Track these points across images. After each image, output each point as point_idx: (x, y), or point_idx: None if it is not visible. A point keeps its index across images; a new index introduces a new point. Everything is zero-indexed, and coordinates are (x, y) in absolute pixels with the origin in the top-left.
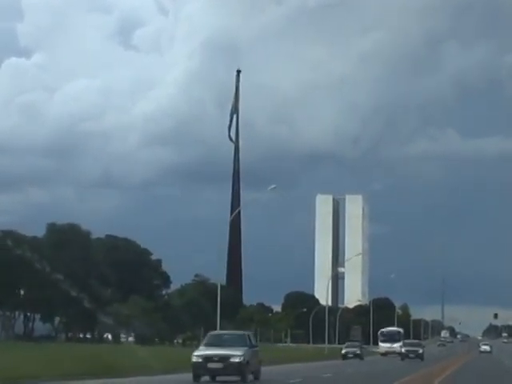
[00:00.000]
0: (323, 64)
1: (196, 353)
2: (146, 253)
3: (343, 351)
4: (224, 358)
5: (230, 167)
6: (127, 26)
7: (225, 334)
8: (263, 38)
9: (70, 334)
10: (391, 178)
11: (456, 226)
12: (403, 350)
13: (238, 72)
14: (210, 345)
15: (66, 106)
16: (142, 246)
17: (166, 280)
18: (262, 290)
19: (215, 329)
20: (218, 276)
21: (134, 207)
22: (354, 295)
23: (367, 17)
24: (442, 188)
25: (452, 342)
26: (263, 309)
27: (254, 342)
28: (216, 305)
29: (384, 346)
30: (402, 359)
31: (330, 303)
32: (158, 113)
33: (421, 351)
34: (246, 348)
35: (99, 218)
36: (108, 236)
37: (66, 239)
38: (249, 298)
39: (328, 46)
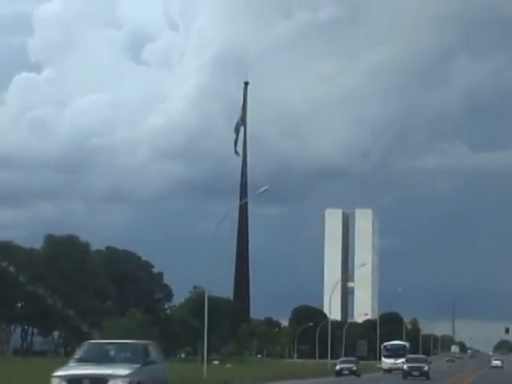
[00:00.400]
0: (333, 78)
1: (58, 372)
2: (147, 265)
3: (337, 367)
4: (98, 381)
5: (239, 181)
6: (138, 41)
7: (108, 345)
8: (273, 52)
9: (68, 349)
10: (401, 192)
11: (466, 240)
12: (406, 366)
13: (246, 84)
14: (83, 360)
15: (76, 120)
16: (143, 258)
17: (167, 293)
18: (271, 304)
19: (211, 345)
20: (212, 287)
21: (142, 221)
22: (364, 310)
23: (377, 30)
24: (452, 202)
25: (462, 357)
26: (271, 323)
27: (155, 356)
28: (219, 318)
29: (387, 361)
30: (405, 377)
31: (339, 318)
32: (167, 127)
33: (426, 368)
34: (136, 366)
35: (108, 232)
36: (108, 248)
37: (63, 251)
38: (257, 313)
39: (337, 59)
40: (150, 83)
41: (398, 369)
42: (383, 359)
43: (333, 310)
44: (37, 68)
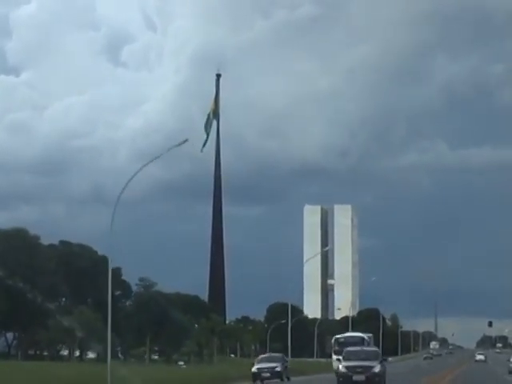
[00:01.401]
0: (311, 77)
1: None
2: (104, 260)
3: (254, 368)
4: None
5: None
6: (116, 43)
7: None
8: (251, 52)
9: (31, 351)
10: (381, 190)
11: (446, 237)
12: (255, 368)
13: (218, 76)
14: None
15: (56, 122)
16: (99, 252)
17: (126, 290)
18: (250, 303)
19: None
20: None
21: (122, 223)
22: (344, 307)
23: (354, 29)
24: (432, 199)
25: (440, 354)
26: (248, 322)
27: None
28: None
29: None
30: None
31: (319, 315)
32: (146, 128)
33: (279, 368)
34: None
35: (88, 233)
36: (62, 242)
37: (10, 245)
38: (234, 312)
39: (316, 58)
40: (128, 84)
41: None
42: (333, 356)
43: (313, 308)
44: (15, 71)
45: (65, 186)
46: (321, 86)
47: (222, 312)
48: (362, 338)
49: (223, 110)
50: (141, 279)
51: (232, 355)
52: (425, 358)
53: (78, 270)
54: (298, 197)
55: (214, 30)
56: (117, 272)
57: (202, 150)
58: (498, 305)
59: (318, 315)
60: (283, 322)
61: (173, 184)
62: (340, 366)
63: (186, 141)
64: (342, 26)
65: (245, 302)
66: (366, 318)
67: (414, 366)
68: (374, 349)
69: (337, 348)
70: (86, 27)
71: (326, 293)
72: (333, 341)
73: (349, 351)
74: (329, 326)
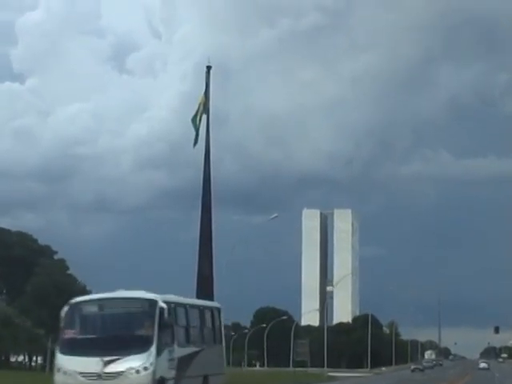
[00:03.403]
0: (315, 85)
1: None
2: (46, 250)
3: None
4: None
5: (223, 189)
6: (121, 50)
7: None
8: (256, 59)
9: None
10: (384, 200)
11: (450, 247)
12: None
13: (208, 68)
14: None
15: (60, 130)
16: (40, 242)
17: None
18: (245, 311)
19: None
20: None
21: (125, 231)
22: (344, 315)
23: (359, 37)
24: (436, 208)
25: (432, 366)
26: (238, 329)
27: None
28: None
29: None
30: None
31: (317, 323)
32: (150, 136)
33: None
34: None
35: (91, 242)
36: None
37: None
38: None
39: (320, 67)
40: (133, 92)
41: None
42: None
43: (311, 315)
44: (20, 78)
45: (67, 193)
46: (325, 95)
47: None
48: None
49: (227, 118)
50: None
51: None
52: (412, 371)
53: (13, 260)
54: (300, 205)
55: (219, 37)
56: (61, 263)
57: (194, 147)
58: (502, 315)
59: (316, 322)
60: (263, 326)
61: (176, 191)
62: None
63: None
64: (347, 35)
65: (238, 309)
66: (362, 325)
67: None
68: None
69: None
70: (92, 34)
71: (325, 300)
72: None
73: None
74: (318, 332)
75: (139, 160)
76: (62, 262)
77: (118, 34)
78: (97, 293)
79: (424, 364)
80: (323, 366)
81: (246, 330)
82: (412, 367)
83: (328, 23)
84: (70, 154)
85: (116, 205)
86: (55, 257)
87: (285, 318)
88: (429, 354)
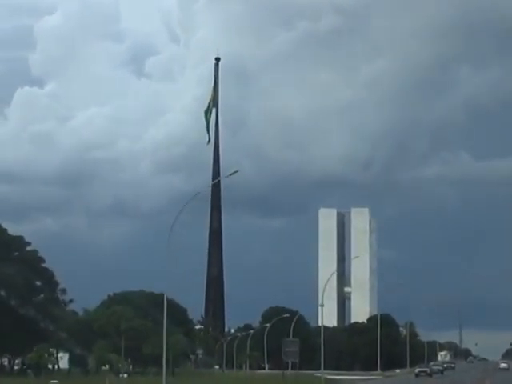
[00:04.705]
0: (333, 88)
1: None
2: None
3: None
4: None
5: (239, 193)
6: (139, 54)
7: None
8: (273, 63)
9: None
10: (403, 202)
11: (471, 249)
12: None
13: (217, 60)
14: None
15: (78, 134)
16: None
17: (48, 280)
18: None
19: None
20: None
21: (143, 235)
22: (361, 316)
23: (377, 41)
24: (456, 210)
25: (440, 371)
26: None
27: None
28: None
29: None
30: None
31: (335, 323)
32: (168, 140)
33: None
34: None
35: (110, 245)
36: None
37: None
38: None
39: (338, 70)
40: (151, 96)
41: None
42: None
43: (328, 316)
44: (39, 82)
45: (86, 197)
46: (343, 97)
47: (221, 319)
48: None
49: (245, 121)
50: None
51: (216, 367)
52: (417, 375)
53: None
54: (317, 208)
55: (237, 41)
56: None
57: (208, 142)
58: None
59: (334, 323)
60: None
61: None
62: None
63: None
64: (365, 38)
65: (254, 311)
66: (377, 325)
67: None
68: None
69: None
70: (110, 39)
71: (343, 301)
72: None
73: None
74: (330, 333)
75: (157, 164)
76: (34, 254)
77: (137, 37)
78: None
79: (432, 367)
80: (337, 369)
81: (251, 331)
82: (417, 370)
83: (345, 26)
84: (89, 158)
85: (134, 209)
86: (28, 249)
87: (287, 315)
88: (443, 356)
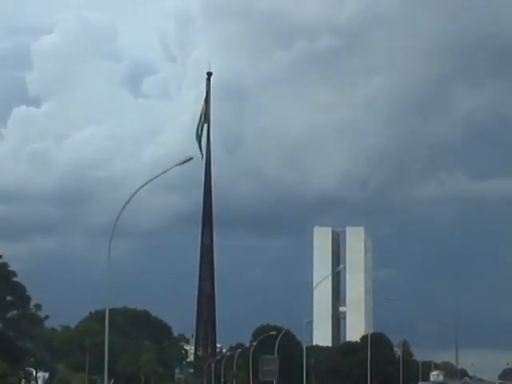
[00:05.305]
0: (330, 107)
1: None
2: None
3: None
4: None
5: (237, 212)
6: (136, 73)
7: None
8: (271, 82)
9: None
10: (399, 221)
11: (467, 269)
12: None
13: (209, 75)
14: None
15: (75, 153)
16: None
17: (20, 296)
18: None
19: None
20: None
21: (139, 255)
22: (356, 335)
23: (374, 59)
24: (452, 230)
25: None
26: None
27: None
28: None
29: None
30: None
31: (330, 343)
32: (165, 159)
33: None
34: None
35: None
36: None
37: None
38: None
39: (335, 89)
40: (148, 115)
41: None
42: None
43: (323, 336)
44: (36, 101)
45: (83, 217)
46: (340, 116)
47: (212, 338)
48: None
49: (241, 140)
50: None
51: None
52: None
53: None
54: (313, 227)
55: (234, 60)
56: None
57: (202, 158)
58: None
59: (329, 343)
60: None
61: (190, 214)
62: None
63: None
64: (361, 57)
65: (247, 330)
66: (372, 344)
67: None
68: None
69: None
70: (107, 58)
71: (338, 320)
72: None
73: None
74: (323, 353)
75: (154, 183)
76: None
77: (134, 57)
78: None
79: None
80: None
81: (239, 350)
82: None
83: (342, 46)
84: (86, 177)
85: (131, 228)
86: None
87: (273, 333)
88: (435, 376)
